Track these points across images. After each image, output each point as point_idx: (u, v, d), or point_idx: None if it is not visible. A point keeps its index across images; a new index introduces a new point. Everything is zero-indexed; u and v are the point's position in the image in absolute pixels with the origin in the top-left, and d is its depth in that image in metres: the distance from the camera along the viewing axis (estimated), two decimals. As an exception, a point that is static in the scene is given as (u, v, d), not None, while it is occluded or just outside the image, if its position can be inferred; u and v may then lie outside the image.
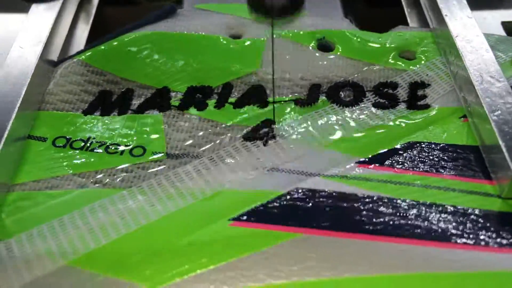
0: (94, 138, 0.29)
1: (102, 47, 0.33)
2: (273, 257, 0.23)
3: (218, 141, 0.28)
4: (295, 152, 0.28)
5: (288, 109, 0.30)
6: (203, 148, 0.28)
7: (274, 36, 0.33)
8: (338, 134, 0.28)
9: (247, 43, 0.33)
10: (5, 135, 0.26)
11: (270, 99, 0.31)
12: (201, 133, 0.29)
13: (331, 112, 0.30)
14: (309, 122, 0.29)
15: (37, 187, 0.26)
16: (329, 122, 0.29)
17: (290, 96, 0.31)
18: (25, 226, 0.24)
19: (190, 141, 0.28)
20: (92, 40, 0.35)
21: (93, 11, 0.40)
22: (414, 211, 0.24)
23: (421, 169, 0.26)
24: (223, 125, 0.29)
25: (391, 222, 0.24)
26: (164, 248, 0.23)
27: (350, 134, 0.29)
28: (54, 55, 0.33)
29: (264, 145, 0.28)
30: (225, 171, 0.27)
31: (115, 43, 0.33)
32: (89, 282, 0.22)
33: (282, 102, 0.30)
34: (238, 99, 0.31)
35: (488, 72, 0.29)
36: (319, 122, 0.29)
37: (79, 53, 0.33)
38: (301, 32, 0.34)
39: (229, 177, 0.26)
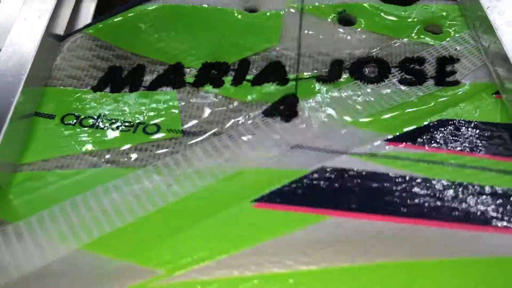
0: (104, 116, 0.27)
1: (111, 21, 0.31)
2: (301, 241, 0.21)
3: (236, 118, 0.27)
4: (318, 130, 0.26)
5: (310, 86, 0.28)
6: (221, 125, 0.26)
7: (292, 10, 0.32)
8: (363, 112, 0.27)
9: (264, 17, 0.32)
10: (11, 112, 0.24)
11: (290, 75, 0.29)
12: (218, 110, 0.27)
13: (355, 89, 0.28)
14: (332, 99, 0.28)
15: (46, 167, 0.24)
16: (353, 99, 0.28)
17: (311, 73, 0.29)
18: (35, 208, 0.23)
19: (207, 118, 0.27)
20: (99, 14, 0.34)
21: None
22: (451, 192, 0.23)
23: (454, 148, 0.25)
24: (242, 102, 0.28)
25: (427, 204, 0.22)
26: (183, 232, 0.22)
27: (376, 112, 0.27)
28: (60, 29, 0.31)
29: (286, 121, 0.26)
30: (246, 149, 0.25)
31: (125, 16, 0.31)
32: (104, 268, 0.21)
33: (303, 79, 0.29)
34: (256, 76, 0.29)
35: (523, 45, 0.27)
36: (343, 99, 0.28)
37: (87, 26, 0.31)
38: (322, 5, 0.32)
39: (250, 155, 0.25)
